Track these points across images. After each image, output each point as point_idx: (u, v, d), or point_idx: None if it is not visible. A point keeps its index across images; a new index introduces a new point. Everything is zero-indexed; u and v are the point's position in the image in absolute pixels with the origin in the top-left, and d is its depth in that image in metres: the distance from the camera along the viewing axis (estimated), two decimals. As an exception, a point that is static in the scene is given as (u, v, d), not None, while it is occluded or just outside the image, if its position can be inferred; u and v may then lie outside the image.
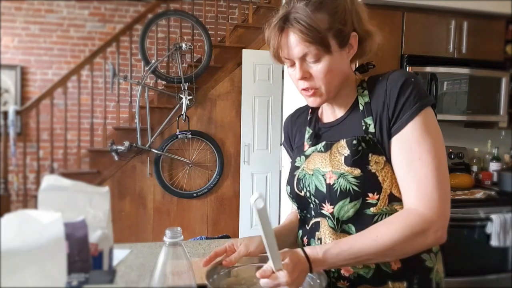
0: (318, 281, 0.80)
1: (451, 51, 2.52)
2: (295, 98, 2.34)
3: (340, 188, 0.82)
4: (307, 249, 0.76)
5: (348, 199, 0.81)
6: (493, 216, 2.25)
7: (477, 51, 2.55)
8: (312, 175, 0.88)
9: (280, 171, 3.87)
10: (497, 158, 2.82)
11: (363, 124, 0.85)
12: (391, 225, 0.76)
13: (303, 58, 0.83)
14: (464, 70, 2.51)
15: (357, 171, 0.81)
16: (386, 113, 0.82)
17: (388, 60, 2.42)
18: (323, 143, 0.90)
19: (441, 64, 2.48)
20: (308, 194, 0.89)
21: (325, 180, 0.85)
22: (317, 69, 0.83)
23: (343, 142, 0.85)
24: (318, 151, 0.90)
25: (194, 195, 3.93)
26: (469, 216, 2.27)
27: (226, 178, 4.05)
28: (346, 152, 0.83)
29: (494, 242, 2.24)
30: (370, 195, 0.80)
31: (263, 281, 0.71)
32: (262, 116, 3.94)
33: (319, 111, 1.00)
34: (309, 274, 0.83)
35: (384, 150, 0.82)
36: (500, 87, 2.57)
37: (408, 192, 0.79)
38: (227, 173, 4.05)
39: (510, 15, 2.56)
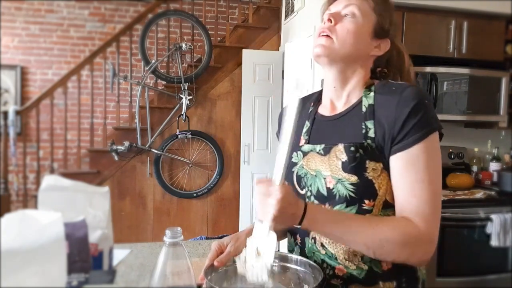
0: (313, 275, 0.81)
1: (451, 51, 2.52)
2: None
3: (338, 194, 0.84)
4: (309, 202, 0.84)
5: (345, 204, 0.83)
6: (493, 216, 2.25)
7: (477, 51, 2.55)
8: (315, 176, 0.89)
9: (280, 171, 3.87)
10: (497, 158, 2.82)
11: (363, 126, 0.85)
12: (393, 224, 0.79)
13: (339, 14, 0.91)
14: (464, 70, 2.50)
15: (354, 178, 0.82)
16: (391, 127, 0.82)
17: (388, 60, 2.41)
18: (322, 146, 0.90)
19: (441, 64, 2.48)
20: (309, 194, 0.90)
21: (325, 183, 0.86)
22: (345, 23, 0.89)
23: (341, 147, 0.85)
24: (318, 153, 0.90)
25: (194, 195, 3.93)
26: (469, 216, 2.27)
27: (226, 178, 4.04)
28: (344, 157, 0.84)
29: (494, 242, 2.24)
30: (366, 201, 0.82)
31: (257, 187, 0.75)
32: (262, 116, 3.94)
33: (320, 104, 1.00)
34: (303, 269, 0.85)
35: (382, 156, 0.83)
36: (500, 87, 2.57)
37: (407, 210, 0.80)
38: (227, 173, 4.05)
39: (510, 15, 2.55)
